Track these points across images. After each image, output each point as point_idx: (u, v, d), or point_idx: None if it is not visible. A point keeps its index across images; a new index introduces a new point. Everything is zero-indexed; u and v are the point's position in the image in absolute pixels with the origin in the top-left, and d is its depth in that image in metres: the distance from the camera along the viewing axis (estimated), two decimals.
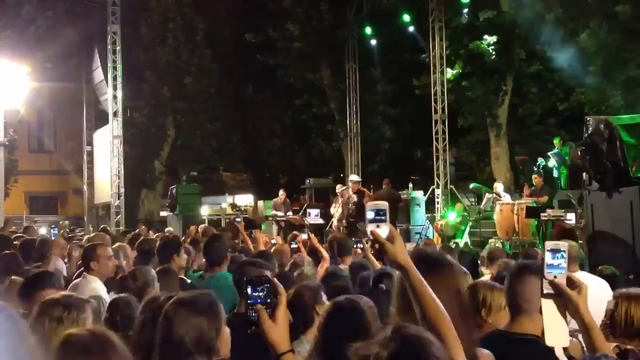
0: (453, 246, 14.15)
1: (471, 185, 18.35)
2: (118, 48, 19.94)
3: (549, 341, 2.44)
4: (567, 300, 2.39)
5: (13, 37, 20.96)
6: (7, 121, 18.46)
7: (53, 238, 5.73)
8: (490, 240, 14.58)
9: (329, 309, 2.88)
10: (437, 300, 2.17)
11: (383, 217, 2.26)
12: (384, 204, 2.30)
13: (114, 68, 19.98)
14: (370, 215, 2.28)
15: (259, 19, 24.89)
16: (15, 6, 21.92)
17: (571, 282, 2.41)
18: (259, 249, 6.88)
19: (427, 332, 1.89)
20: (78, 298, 3.60)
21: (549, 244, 2.44)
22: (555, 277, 2.40)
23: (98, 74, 22.91)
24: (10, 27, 21.36)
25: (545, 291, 2.41)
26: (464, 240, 15.65)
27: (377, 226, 2.25)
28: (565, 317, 2.40)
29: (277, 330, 2.26)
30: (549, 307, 2.41)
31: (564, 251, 2.42)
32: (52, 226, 7.05)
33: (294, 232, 10.18)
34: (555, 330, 2.41)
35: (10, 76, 17.47)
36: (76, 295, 3.72)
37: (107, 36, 19.99)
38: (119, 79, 20.00)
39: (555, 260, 2.41)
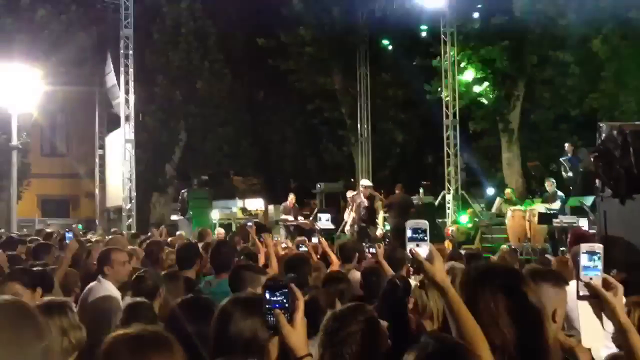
0: (463, 252, 14.15)
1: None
2: (131, 52, 20.04)
3: (585, 343, 2.44)
4: (603, 302, 2.38)
5: (27, 41, 21.12)
6: (20, 124, 18.59)
7: (68, 242, 5.77)
8: (502, 247, 14.48)
9: None
10: (473, 319, 2.22)
11: (423, 236, 2.30)
12: (424, 223, 2.34)
13: (127, 72, 20.08)
14: (409, 233, 2.32)
15: (270, 23, 24.94)
16: (29, 10, 22.10)
17: (607, 284, 2.40)
18: (270, 253, 6.85)
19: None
20: (58, 301, 3.62)
21: (585, 246, 2.43)
22: (591, 278, 2.39)
23: (111, 78, 23.05)
24: (24, 31, 21.53)
25: (581, 293, 2.41)
26: (475, 246, 15.57)
27: (417, 245, 2.29)
28: (601, 319, 2.40)
29: (296, 334, 2.27)
30: (585, 309, 2.40)
31: (600, 253, 2.42)
32: (67, 230, 7.08)
33: (299, 237, 10.16)
34: (592, 332, 2.41)
35: (24, 80, 17.61)
36: (57, 299, 3.76)
37: (120, 41, 20.10)
38: (131, 83, 20.10)
39: (592, 262, 2.41)
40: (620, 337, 2.39)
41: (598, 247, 2.43)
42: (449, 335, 2.15)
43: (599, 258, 2.41)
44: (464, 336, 2.20)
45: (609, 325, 2.41)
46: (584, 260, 2.41)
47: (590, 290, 2.39)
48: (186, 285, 5.18)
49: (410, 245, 2.29)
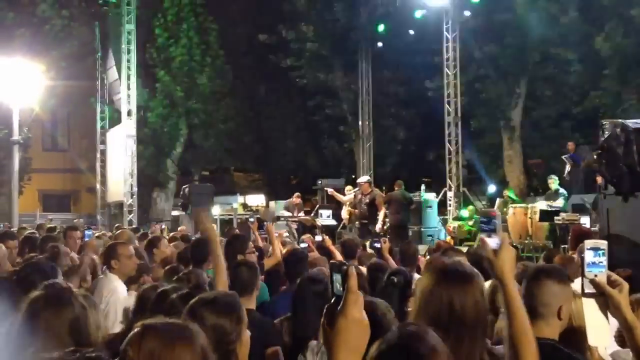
0: (465, 249, 14.16)
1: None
2: (132, 48, 20.02)
3: (591, 340, 2.41)
4: (608, 299, 2.35)
5: (28, 35, 21.12)
6: (21, 119, 18.59)
7: (87, 239, 5.80)
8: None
9: None
10: (527, 319, 2.22)
11: (493, 227, 2.26)
12: (495, 212, 2.30)
13: (128, 68, 20.06)
14: (483, 224, 2.32)
15: (272, 19, 24.92)
16: (30, 5, 22.08)
17: (612, 281, 2.37)
18: (273, 241, 6.91)
19: (429, 330, 1.88)
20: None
21: (589, 243, 2.40)
22: (595, 275, 2.36)
23: (112, 73, 23.02)
24: (25, 26, 21.53)
25: (586, 290, 2.37)
26: (475, 243, 15.56)
27: (489, 236, 2.28)
28: (606, 317, 2.37)
29: (331, 336, 1.76)
30: (590, 306, 2.38)
31: (604, 249, 2.38)
32: (86, 227, 7.21)
33: (305, 235, 10.20)
34: (597, 329, 2.38)
35: (25, 74, 17.59)
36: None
37: (121, 36, 20.08)
38: (133, 79, 20.07)
39: (596, 258, 2.37)
40: (626, 334, 2.36)
41: (602, 243, 2.40)
42: (421, 325, 2.06)
43: (603, 254, 2.37)
44: (514, 331, 2.19)
45: (615, 323, 2.38)
46: (588, 256, 2.37)
47: (595, 287, 2.36)
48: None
49: (482, 235, 2.27)
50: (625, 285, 2.38)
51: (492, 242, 2.22)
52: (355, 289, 1.73)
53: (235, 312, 2.55)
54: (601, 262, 2.37)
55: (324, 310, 1.77)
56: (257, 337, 2.76)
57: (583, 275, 2.38)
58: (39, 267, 4.35)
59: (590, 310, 2.38)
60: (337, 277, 1.83)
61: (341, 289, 1.79)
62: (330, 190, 16.70)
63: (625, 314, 2.33)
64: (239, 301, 2.66)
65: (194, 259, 5.99)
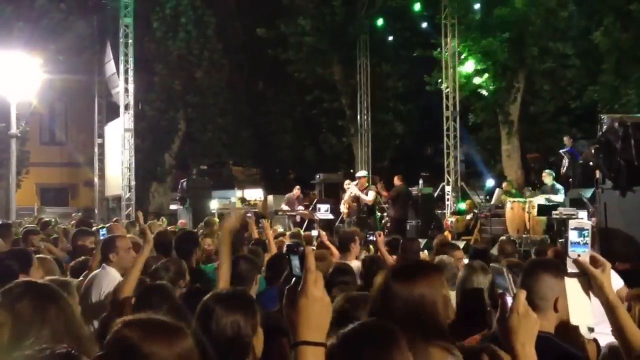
0: (462, 244, 14.16)
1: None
2: (130, 41, 19.98)
3: (573, 320, 2.42)
4: (591, 279, 2.36)
5: (26, 29, 21.06)
6: (19, 113, 18.52)
7: (101, 237, 5.88)
8: (501, 238, 14.48)
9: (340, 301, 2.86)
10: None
11: (504, 284, 2.19)
12: (502, 269, 2.26)
13: (126, 61, 20.02)
14: (574, 236, 2.31)
15: (270, 13, 24.87)
16: None
17: (595, 261, 2.37)
18: (269, 237, 6.95)
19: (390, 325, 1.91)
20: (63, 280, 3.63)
21: (573, 223, 2.39)
22: (579, 255, 2.36)
23: (110, 67, 23.01)
24: (23, 19, 21.47)
25: (569, 270, 2.38)
26: (474, 237, 15.58)
27: (578, 255, 2.26)
28: (589, 296, 2.38)
29: (294, 313, 1.78)
30: (573, 286, 2.38)
31: (588, 230, 2.38)
32: (100, 226, 7.36)
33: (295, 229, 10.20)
34: (580, 309, 2.38)
35: (22, 68, 17.53)
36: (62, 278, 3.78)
37: (119, 29, 20.04)
38: (131, 72, 20.05)
39: (580, 238, 2.37)
40: (608, 314, 2.36)
41: (587, 224, 2.39)
42: (382, 320, 2.05)
43: (587, 234, 2.37)
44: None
45: (598, 303, 2.40)
46: (572, 236, 2.37)
47: (578, 267, 2.36)
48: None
49: (572, 255, 2.22)
50: (608, 265, 2.38)
51: (509, 300, 2.06)
52: (313, 269, 1.78)
53: (249, 307, 2.59)
54: (585, 242, 2.37)
55: (285, 293, 1.81)
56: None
57: (566, 255, 2.38)
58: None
59: (573, 290, 2.39)
60: (295, 259, 1.86)
61: (298, 270, 1.83)
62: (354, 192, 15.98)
63: (607, 294, 2.33)
64: (251, 296, 2.69)
65: (178, 251, 6.01)
